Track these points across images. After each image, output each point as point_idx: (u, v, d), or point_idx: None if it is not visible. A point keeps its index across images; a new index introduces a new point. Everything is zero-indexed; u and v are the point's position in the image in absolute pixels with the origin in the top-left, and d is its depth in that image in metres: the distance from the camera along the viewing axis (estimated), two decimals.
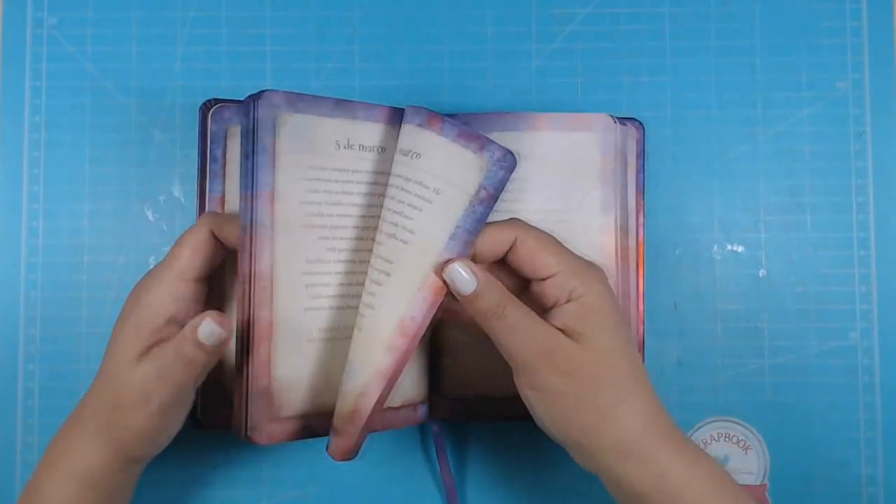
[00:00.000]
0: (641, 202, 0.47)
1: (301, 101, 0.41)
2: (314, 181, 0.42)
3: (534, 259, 0.39)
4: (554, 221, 0.44)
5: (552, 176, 0.45)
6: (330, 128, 0.42)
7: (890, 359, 0.49)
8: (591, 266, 0.39)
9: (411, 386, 0.44)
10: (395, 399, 0.43)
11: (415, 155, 0.41)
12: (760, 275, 0.49)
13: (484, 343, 0.41)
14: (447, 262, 0.39)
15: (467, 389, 0.45)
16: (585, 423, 0.38)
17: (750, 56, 0.49)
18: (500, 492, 0.49)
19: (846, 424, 0.48)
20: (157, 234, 0.49)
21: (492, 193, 0.40)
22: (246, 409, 0.40)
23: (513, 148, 0.41)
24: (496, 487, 0.49)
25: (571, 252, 0.40)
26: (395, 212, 0.40)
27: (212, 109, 0.43)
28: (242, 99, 0.42)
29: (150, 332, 0.39)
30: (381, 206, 0.41)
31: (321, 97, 0.42)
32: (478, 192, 0.40)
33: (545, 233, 0.40)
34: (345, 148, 0.42)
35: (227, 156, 0.43)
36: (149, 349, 0.39)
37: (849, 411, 0.48)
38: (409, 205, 0.40)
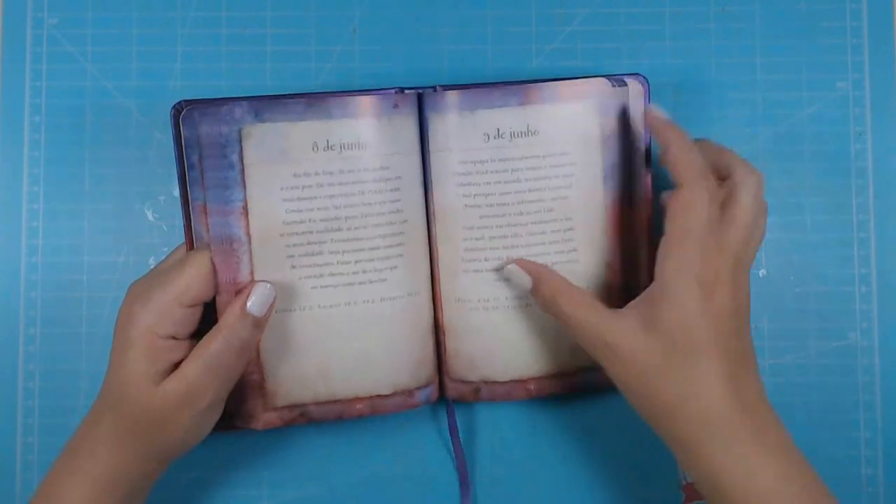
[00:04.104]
0: (650, 166, 0.44)
1: (266, 109, 0.41)
2: (291, 189, 0.42)
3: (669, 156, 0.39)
4: (552, 199, 0.43)
5: (549, 150, 0.43)
6: (303, 132, 0.41)
7: (890, 359, 0.49)
8: (693, 188, 0.37)
9: (404, 372, 0.44)
10: (385, 386, 0.44)
11: (531, 133, 0.43)
12: (760, 275, 0.49)
13: (488, 327, 0.44)
14: (506, 262, 0.43)
15: (472, 373, 0.45)
16: (644, 397, 0.38)
17: (750, 56, 0.49)
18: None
19: (846, 424, 0.48)
20: (157, 234, 0.49)
21: (615, 122, 0.43)
22: (244, 401, 0.44)
23: (506, 125, 0.43)
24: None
25: (698, 168, 0.38)
26: (549, 189, 0.43)
27: (182, 113, 0.41)
28: (214, 99, 0.41)
29: (163, 352, 0.40)
30: (386, 201, 0.43)
31: (289, 100, 0.41)
32: (602, 130, 0.43)
33: (691, 145, 0.39)
34: (324, 150, 0.42)
35: (204, 161, 0.41)
36: (169, 368, 0.40)
37: (849, 411, 0.48)
38: (556, 177, 0.43)
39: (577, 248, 0.44)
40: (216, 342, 0.40)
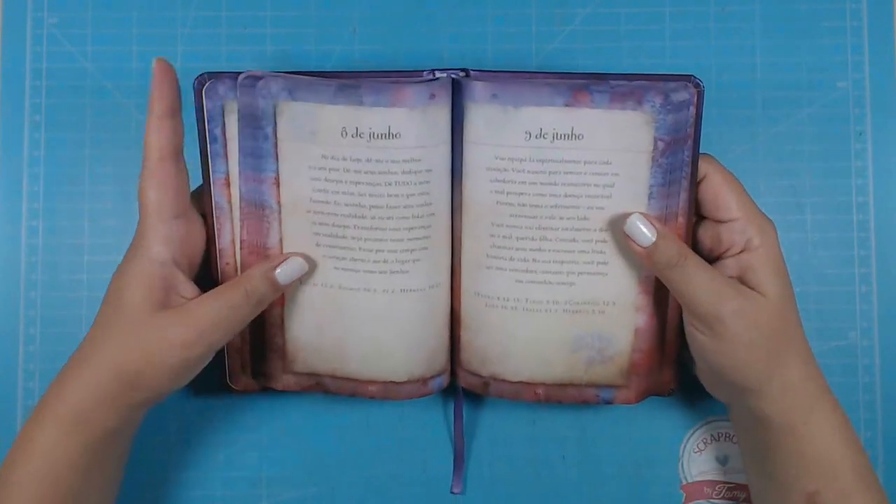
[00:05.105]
0: (695, 180, 0.42)
1: (300, 88, 0.40)
2: (319, 170, 0.41)
3: (717, 199, 0.41)
4: (588, 208, 0.41)
5: (592, 157, 0.41)
6: (332, 116, 0.40)
7: (890, 359, 0.49)
8: (766, 218, 0.41)
9: (418, 362, 0.44)
10: (399, 374, 0.44)
11: (575, 136, 0.40)
12: None
13: (505, 326, 0.44)
14: (626, 215, 0.40)
15: (483, 367, 0.45)
16: (761, 368, 0.40)
17: (750, 56, 0.49)
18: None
19: None
20: None
21: (670, 140, 0.40)
22: (266, 361, 0.45)
23: (549, 125, 0.40)
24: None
25: (752, 200, 0.41)
26: (587, 196, 0.41)
27: (205, 85, 0.41)
28: (237, 72, 0.41)
29: (158, 279, 0.39)
30: (414, 193, 0.41)
31: (322, 82, 0.40)
32: (655, 146, 0.40)
33: (732, 175, 0.41)
34: (352, 136, 0.40)
35: (227, 134, 0.41)
36: (165, 297, 0.39)
37: (849, 411, 0.48)
38: (595, 185, 0.41)
39: (608, 261, 0.42)
40: (234, 290, 0.40)
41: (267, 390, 0.46)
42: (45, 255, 0.49)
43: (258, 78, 0.40)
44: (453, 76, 0.41)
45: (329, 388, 0.46)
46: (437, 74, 0.42)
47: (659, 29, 0.50)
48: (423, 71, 0.42)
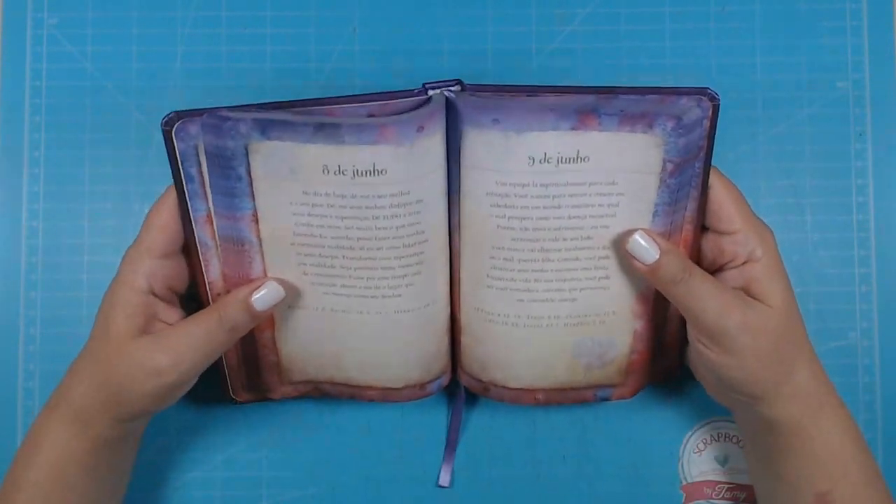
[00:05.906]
0: (705, 189, 0.41)
1: (273, 127, 0.37)
2: (301, 205, 0.39)
3: (721, 210, 0.41)
4: (592, 227, 0.40)
5: (597, 178, 0.39)
6: (312, 154, 0.38)
7: (890, 359, 0.49)
8: (765, 226, 0.41)
9: (416, 370, 0.44)
10: (397, 381, 0.45)
11: (581, 159, 0.39)
12: None
13: (505, 340, 0.43)
14: (628, 233, 0.40)
15: (483, 373, 0.45)
16: (770, 377, 0.40)
17: (750, 56, 0.49)
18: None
19: None
20: None
21: (679, 161, 0.39)
22: (261, 376, 0.45)
23: (554, 150, 0.38)
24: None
25: (750, 208, 0.41)
26: (591, 217, 0.40)
27: (174, 127, 0.38)
28: (205, 109, 0.38)
29: (140, 307, 0.40)
30: (404, 224, 0.39)
31: (298, 120, 0.37)
32: (663, 167, 0.39)
33: (734, 185, 0.41)
34: (335, 174, 0.38)
35: (204, 172, 0.39)
36: (146, 324, 0.40)
37: None
38: (600, 205, 0.40)
39: (610, 275, 0.42)
40: (209, 316, 0.40)
41: (268, 400, 0.47)
42: (45, 255, 0.49)
43: (224, 118, 0.37)
44: (447, 93, 0.39)
45: (328, 392, 0.46)
46: (430, 91, 0.39)
47: (659, 29, 0.50)
48: (413, 90, 0.39)
